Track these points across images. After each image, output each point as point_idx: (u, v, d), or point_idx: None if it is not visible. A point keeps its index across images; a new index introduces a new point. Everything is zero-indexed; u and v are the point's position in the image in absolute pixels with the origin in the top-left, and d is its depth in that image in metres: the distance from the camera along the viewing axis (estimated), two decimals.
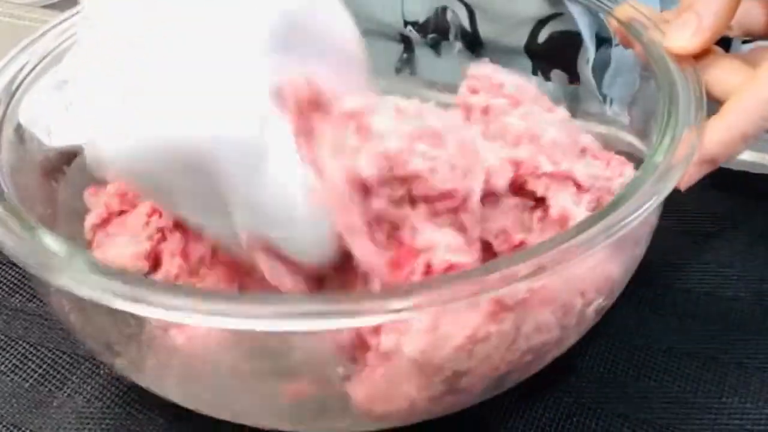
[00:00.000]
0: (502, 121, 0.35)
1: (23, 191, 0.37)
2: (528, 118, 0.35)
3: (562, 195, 0.34)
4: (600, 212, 0.29)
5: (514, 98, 0.36)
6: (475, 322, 0.29)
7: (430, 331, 0.29)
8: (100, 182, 0.40)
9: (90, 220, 0.39)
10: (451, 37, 0.53)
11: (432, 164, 0.31)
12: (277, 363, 0.31)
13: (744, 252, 0.44)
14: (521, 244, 0.34)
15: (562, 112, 0.38)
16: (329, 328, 0.28)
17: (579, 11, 0.47)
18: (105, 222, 0.39)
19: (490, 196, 0.34)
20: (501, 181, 0.33)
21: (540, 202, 0.35)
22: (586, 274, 0.32)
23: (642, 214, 0.29)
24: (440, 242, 0.31)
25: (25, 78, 0.40)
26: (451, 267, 0.31)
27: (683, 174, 0.32)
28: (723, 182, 0.46)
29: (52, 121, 0.42)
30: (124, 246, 0.37)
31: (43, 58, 0.41)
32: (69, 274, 0.28)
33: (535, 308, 0.30)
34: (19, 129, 0.40)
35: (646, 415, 0.37)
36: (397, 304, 0.26)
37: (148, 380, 0.35)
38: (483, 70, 0.37)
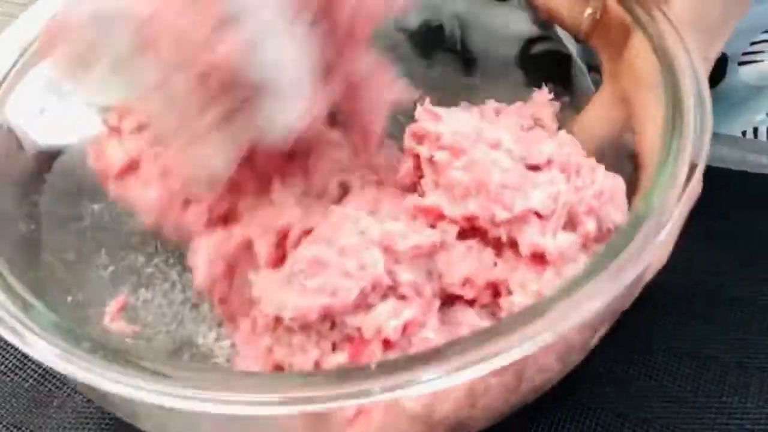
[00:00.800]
0: (447, 174, 0.35)
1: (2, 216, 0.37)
2: (471, 168, 0.34)
3: (527, 232, 0.34)
4: (600, 259, 0.29)
5: (453, 148, 0.35)
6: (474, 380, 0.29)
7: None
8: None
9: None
10: (442, 48, 0.53)
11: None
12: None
13: (744, 252, 0.44)
14: (491, 285, 0.34)
15: (521, 121, 0.38)
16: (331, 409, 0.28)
17: (567, 35, 0.47)
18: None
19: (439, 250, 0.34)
20: (403, 246, 0.33)
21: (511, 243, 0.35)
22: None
23: (646, 256, 0.29)
24: (382, 317, 0.32)
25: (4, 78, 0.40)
26: (406, 326, 0.32)
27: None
28: (722, 182, 0.46)
29: (27, 122, 0.42)
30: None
31: (19, 58, 0.41)
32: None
33: (539, 356, 0.30)
34: None
35: (646, 415, 0.37)
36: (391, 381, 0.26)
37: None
38: (422, 121, 0.37)
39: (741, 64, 0.58)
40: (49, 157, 0.42)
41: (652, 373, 0.39)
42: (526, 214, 0.34)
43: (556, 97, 0.42)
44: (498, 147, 0.35)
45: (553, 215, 0.34)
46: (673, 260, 0.43)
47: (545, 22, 0.46)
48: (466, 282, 0.34)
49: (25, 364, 0.42)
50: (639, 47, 0.37)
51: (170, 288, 0.42)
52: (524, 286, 0.33)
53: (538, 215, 0.34)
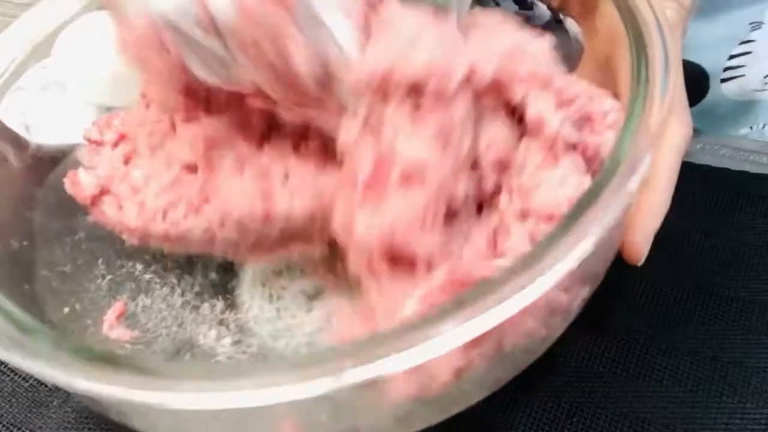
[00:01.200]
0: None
1: None
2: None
3: (540, 100, 0.33)
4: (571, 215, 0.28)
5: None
6: (456, 356, 0.29)
7: (415, 373, 0.29)
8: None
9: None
10: None
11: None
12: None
13: (744, 251, 0.44)
14: (508, 162, 0.34)
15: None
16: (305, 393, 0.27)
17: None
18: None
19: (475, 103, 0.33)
20: (488, 71, 0.32)
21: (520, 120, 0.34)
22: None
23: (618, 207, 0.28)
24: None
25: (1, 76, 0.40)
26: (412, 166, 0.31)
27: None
28: (722, 182, 0.46)
29: (32, 118, 0.42)
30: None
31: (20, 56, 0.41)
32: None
33: (517, 323, 0.29)
34: None
35: (646, 414, 0.37)
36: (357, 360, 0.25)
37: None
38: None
39: (723, 81, 0.59)
40: (40, 172, 0.42)
41: (652, 373, 0.39)
42: (549, 82, 0.33)
43: None
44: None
45: (569, 105, 0.34)
46: (672, 259, 0.43)
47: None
48: (490, 147, 0.33)
49: None
50: (603, 7, 0.37)
51: (170, 292, 0.42)
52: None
53: (559, 95, 0.33)
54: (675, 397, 0.38)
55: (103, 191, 0.39)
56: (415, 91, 0.32)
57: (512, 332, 0.30)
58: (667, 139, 0.35)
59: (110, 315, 0.40)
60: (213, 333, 0.41)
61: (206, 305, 0.41)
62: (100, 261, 0.42)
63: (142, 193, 0.38)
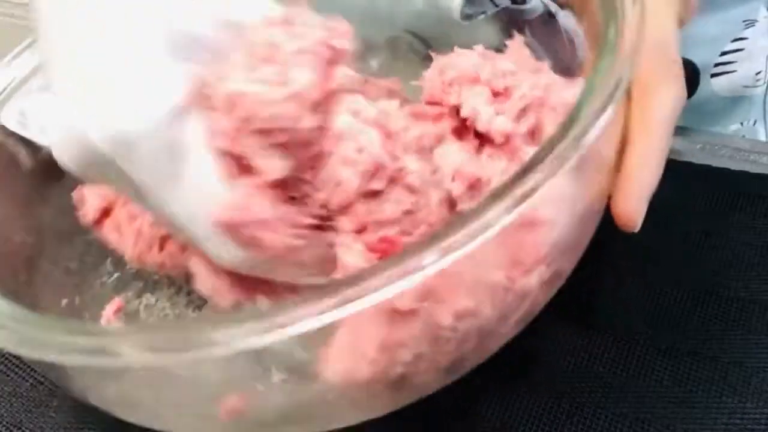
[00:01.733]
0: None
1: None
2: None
3: (472, 96, 0.34)
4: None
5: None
6: (379, 333, 0.28)
7: (345, 350, 0.29)
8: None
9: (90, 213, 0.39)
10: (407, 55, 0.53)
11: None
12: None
13: (743, 251, 0.44)
14: (478, 181, 0.34)
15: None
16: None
17: (536, 43, 0.47)
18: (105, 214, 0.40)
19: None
20: (397, 125, 0.32)
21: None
22: (495, 250, 0.29)
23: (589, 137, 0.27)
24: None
25: (8, 85, 0.40)
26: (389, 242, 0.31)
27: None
28: (722, 182, 0.46)
29: (46, 119, 0.42)
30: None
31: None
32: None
33: (440, 301, 0.29)
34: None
35: (646, 415, 0.37)
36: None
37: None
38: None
39: (713, 75, 0.58)
40: (53, 171, 0.42)
41: (652, 373, 0.39)
42: (474, 76, 0.34)
43: None
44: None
45: (506, 98, 0.34)
46: (672, 259, 0.43)
47: (515, 31, 0.46)
48: (456, 176, 0.33)
49: (25, 365, 0.42)
50: None
51: (176, 292, 0.42)
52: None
53: (492, 91, 0.34)
54: (675, 397, 0.38)
55: (106, 212, 0.39)
56: None
57: (440, 309, 0.29)
58: (658, 98, 0.34)
59: (108, 310, 0.40)
60: None
61: (210, 306, 0.42)
62: (108, 260, 0.42)
63: (139, 219, 0.38)
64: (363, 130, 0.31)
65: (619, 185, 0.34)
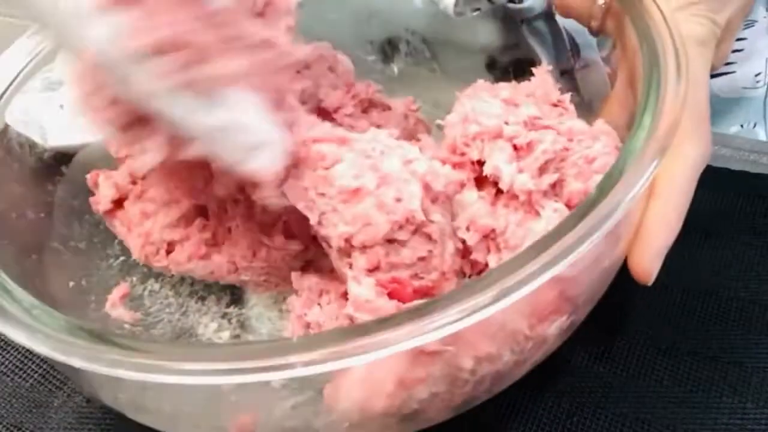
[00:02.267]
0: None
1: (9, 201, 0.37)
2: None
3: (495, 156, 0.34)
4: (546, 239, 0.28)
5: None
6: (400, 369, 0.29)
7: (364, 381, 0.29)
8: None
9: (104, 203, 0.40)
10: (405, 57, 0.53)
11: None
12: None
13: (744, 251, 0.44)
14: (492, 232, 0.34)
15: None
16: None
17: (535, 41, 0.47)
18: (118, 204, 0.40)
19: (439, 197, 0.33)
20: (439, 186, 0.33)
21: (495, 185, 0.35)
22: (525, 303, 0.29)
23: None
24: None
25: (12, 81, 0.40)
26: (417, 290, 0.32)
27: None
28: (722, 182, 0.46)
29: (45, 122, 0.42)
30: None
31: (32, 59, 0.41)
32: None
33: (466, 347, 0.29)
34: (4, 137, 0.40)
35: (646, 415, 0.37)
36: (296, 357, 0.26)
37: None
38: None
39: (713, 76, 0.58)
40: (69, 154, 0.42)
41: (652, 374, 0.39)
42: (498, 134, 0.34)
43: None
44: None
45: (528, 153, 0.34)
46: (672, 260, 0.43)
47: (513, 31, 0.46)
48: (471, 226, 0.34)
49: (25, 365, 0.42)
50: (627, 29, 0.37)
51: (180, 280, 0.43)
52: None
53: (514, 146, 0.34)
54: (675, 397, 0.38)
55: (118, 202, 0.40)
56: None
57: (463, 353, 0.30)
58: (683, 156, 0.35)
59: (114, 294, 0.41)
60: (214, 325, 0.41)
61: (213, 297, 0.42)
62: (116, 242, 0.42)
63: (150, 221, 0.38)
64: (409, 181, 0.32)
65: (638, 241, 0.34)
